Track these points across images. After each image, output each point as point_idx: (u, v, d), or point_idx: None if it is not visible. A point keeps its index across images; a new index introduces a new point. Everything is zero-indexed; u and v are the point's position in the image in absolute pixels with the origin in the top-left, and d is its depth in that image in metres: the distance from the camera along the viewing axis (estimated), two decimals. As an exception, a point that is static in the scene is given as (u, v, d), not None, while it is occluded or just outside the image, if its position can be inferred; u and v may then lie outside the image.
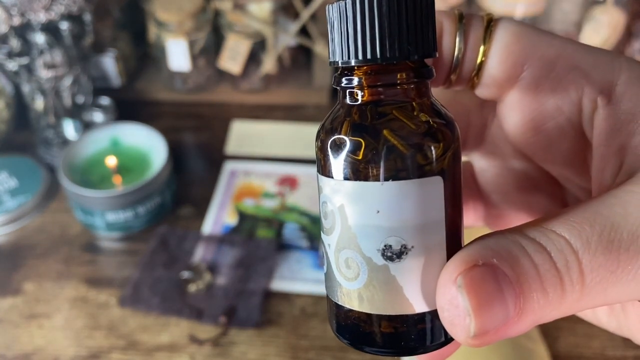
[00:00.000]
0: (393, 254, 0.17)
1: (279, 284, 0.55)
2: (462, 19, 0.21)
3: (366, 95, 0.18)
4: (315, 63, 0.78)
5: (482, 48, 0.20)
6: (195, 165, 0.72)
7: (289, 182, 0.67)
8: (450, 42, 0.21)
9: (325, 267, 0.20)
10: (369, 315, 0.18)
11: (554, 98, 0.20)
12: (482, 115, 0.24)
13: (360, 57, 0.18)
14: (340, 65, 0.19)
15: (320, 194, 0.19)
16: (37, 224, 0.63)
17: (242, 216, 0.63)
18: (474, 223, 0.26)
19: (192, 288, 0.55)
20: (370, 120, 0.18)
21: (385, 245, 0.17)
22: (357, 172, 0.18)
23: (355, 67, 0.19)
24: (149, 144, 0.65)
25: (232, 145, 0.73)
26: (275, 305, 0.54)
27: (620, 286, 0.16)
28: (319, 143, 0.19)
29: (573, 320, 0.51)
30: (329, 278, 0.19)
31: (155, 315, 0.53)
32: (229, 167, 0.69)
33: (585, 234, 0.16)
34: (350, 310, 0.19)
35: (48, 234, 0.62)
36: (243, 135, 0.74)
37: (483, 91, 0.21)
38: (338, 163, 0.18)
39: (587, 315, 0.23)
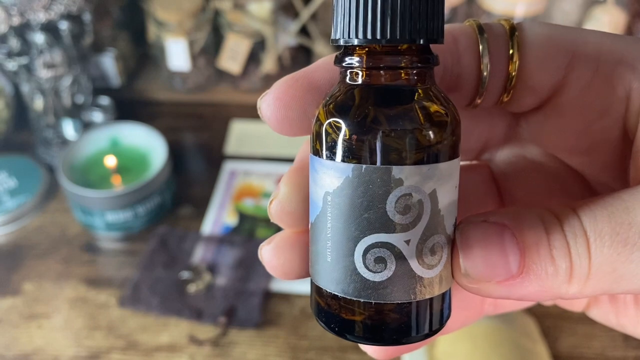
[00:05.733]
0: (457, 224, 0.18)
1: (279, 284, 0.55)
2: (483, 33, 0.19)
3: (364, 75, 0.18)
4: (315, 63, 0.78)
5: (513, 61, 0.18)
6: (195, 165, 0.72)
7: (289, 182, 0.67)
8: (472, 60, 0.19)
9: (388, 272, 0.18)
10: (426, 301, 0.18)
11: (601, 100, 0.19)
12: (505, 117, 0.23)
13: (366, 36, 0.17)
14: (342, 44, 0.18)
15: (393, 189, 0.17)
16: (36, 224, 0.63)
17: (242, 216, 0.63)
18: None
19: (192, 288, 0.55)
20: (435, 102, 0.18)
21: (455, 218, 0.18)
22: (449, 151, 0.18)
23: (358, 47, 0.18)
24: (148, 144, 0.65)
25: (232, 145, 0.73)
26: (275, 305, 0.54)
27: (629, 270, 0.16)
28: (388, 137, 0.17)
29: (574, 321, 0.51)
30: (396, 282, 0.18)
31: (155, 316, 0.53)
32: (228, 167, 0.69)
33: (595, 213, 0.16)
34: (413, 304, 0.18)
35: (47, 234, 0.62)
36: (243, 135, 0.74)
37: (518, 106, 0.20)
38: (429, 147, 0.17)
39: (611, 321, 0.22)
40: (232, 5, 0.72)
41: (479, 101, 0.19)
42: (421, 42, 0.17)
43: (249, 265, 0.57)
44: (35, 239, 0.61)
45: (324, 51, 0.75)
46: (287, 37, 0.76)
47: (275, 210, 0.20)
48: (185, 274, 0.56)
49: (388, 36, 0.17)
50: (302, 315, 0.53)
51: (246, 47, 0.75)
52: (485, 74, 0.19)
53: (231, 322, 0.52)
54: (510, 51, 0.18)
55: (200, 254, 0.58)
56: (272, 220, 0.20)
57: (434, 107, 0.18)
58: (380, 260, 0.18)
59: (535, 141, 0.22)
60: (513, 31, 0.19)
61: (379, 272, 0.18)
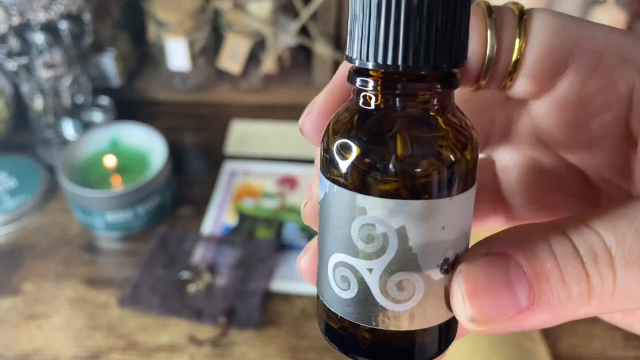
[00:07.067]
0: (449, 266, 0.17)
1: (279, 285, 0.55)
2: (492, 13, 0.18)
3: (380, 100, 0.17)
4: (315, 63, 0.78)
5: (517, 44, 0.18)
6: (195, 165, 0.72)
7: (289, 182, 0.67)
8: (479, 39, 0.18)
9: (351, 292, 0.18)
10: (413, 331, 0.18)
11: (601, 95, 0.18)
12: (506, 111, 0.22)
13: (380, 60, 0.16)
14: (357, 65, 0.17)
15: (357, 216, 0.17)
16: (36, 224, 0.63)
17: (242, 216, 0.63)
18: (493, 227, 0.25)
19: (192, 288, 0.55)
20: (425, 134, 0.16)
21: (444, 259, 0.17)
22: (427, 189, 0.16)
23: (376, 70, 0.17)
24: (148, 144, 0.65)
25: (232, 145, 0.73)
26: (275, 305, 0.54)
27: None
28: (353, 160, 0.16)
29: (574, 321, 0.51)
30: (359, 304, 0.18)
31: (155, 316, 0.53)
32: (228, 167, 0.69)
33: (620, 229, 0.15)
34: (386, 332, 0.18)
35: (47, 234, 0.62)
36: (243, 135, 0.74)
37: (519, 91, 0.19)
38: (399, 182, 0.16)
39: (617, 320, 0.22)
40: (232, 5, 0.72)
41: (483, 82, 0.19)
42: (445, 67, 0.16)
43: (249, 265, 0.57)
44: (35, 239, 0.61)
45: (324, 51, 0.75)
46: (287, 37, 0.76)
47: (309, 212, 0.20)
48: (185, 274, 0.56)
49: (410, 62, 0.16)
50: (302, 315, 0.53)
51: (246, 47, 0.75)
52: (490, 56, 0.18)
53: (231, 322, 0.52)
54: (516, 36, 0.18)
55: (200, 254, 0.58)
56: (305, 222, 0.20)
57: (421, 140, 0.16)
58: (345, 280, 0.18)
59: (536, 136, 0.22)
60: (522, 15, 0.18)
61: (344, 290, 0.18)
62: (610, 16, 0.69)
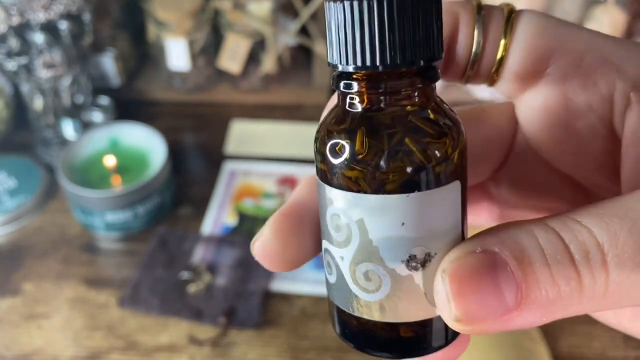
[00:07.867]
0: (418, 264, 0.17)
1: (279, 285, 0.55)
2: (481, 11, 0.19)
3: (366, 102, 0.17)
4: (315, 63, 0.78)
5: (502, 42, 0.19)
6: (195, 165, 0.72)
7: (289, 182, 0.67)
8: (467, 35, 0.19)
9: (333, 277, 0.19)
10: (388, 323, 0.18)
11: (583, 94, 0.19)
12: (511, 132, 0.22)
13: (359, 63, 0.17)
14: (338, 70, 0.17)
15: (328, 205, 0.18)
16: (36, 224, 0.63)
17: (242, 216, 0.63)
18: (487, 223, 0.25)
19: (192, 288, 0.55)
20: (385, 130, 0.17)
21: (410, 256, 0.17)
22: (382, 185, 0.17)
23: (354, 74, 0.17)
24: (148, 144, 0.65)
25: (232, 145, 0.73)
26: (275, 305, 0.54)
27: None
28: (324, 153, 0.18)
29: (574, 321, 0.51)
30: (339, 289, 0.18)
31: (155, 316, 0.53)
32: (228, 167, 0.69)
33: (613, 226, 0.15)
34: (367, 320, 0.18)
35: (47, 234, 0.62)
36: (243, 135, 0.74)
37: (503, 87, 0.20)
38: (356, 176, 0.17)
39: (610, 320, 0.21)
40: (232, 5, 0.72)
41: (470, 74, 0.20)
42: (421, 63, 0.17)
43: (249, 265, 0.57)
44: (35, 239, 0.61)
45: (324, 51, 0.75)
46: (287, 37, 0.76)
47: (257, 250, 0.21)
48: (185, 274, 0.56)
49: (388, 62, 0.16)
50: (302, 315, 0.53)
51: (246, 47, 0.75)
52: (476, 51, 0.19)
53: (231, 322, 0.52)
54: (502, 35, 0.19)
55: (200, 254, 0.58)
56: (254, 256, 0.21)
57: (383, 137, 0.17)
58: (329, 265, 0.19)
59: (524, 144, 0.22)
60: (510, 15, 0.19)
61: (330, 274, 0.19)
62: (610, 16, 0.69)
